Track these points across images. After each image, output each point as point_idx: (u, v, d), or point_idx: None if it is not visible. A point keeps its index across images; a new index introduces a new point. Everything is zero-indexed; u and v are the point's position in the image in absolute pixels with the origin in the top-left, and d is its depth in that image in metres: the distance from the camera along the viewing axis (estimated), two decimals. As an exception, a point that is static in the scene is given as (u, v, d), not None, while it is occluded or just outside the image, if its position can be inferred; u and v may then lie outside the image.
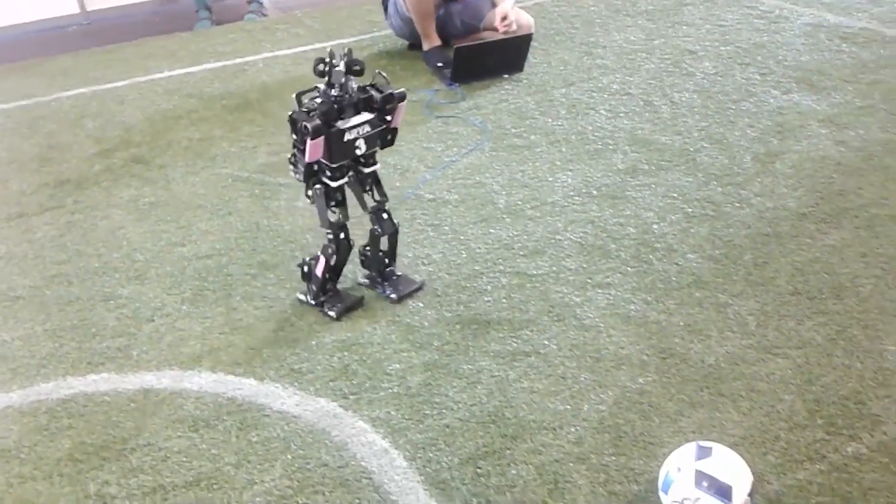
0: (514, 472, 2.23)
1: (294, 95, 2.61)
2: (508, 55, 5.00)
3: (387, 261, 2.99)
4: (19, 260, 3.43)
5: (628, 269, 3.07)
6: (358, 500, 2.18)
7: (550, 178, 3.76)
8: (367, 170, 2.82)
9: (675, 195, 3.54)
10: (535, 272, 3.08)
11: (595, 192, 3.62)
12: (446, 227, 3.42)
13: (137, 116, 4.87)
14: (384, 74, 2.75)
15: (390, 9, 5.37)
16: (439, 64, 5.09)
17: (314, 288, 2.89)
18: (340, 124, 2.61)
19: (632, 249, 3.19)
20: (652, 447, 2.26)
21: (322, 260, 2.84)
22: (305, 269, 2.90)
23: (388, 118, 2.76)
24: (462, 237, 3.33)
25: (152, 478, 2.29)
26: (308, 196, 2.77)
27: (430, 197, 3.66)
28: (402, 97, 2.74)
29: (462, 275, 3.08)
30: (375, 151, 2.81)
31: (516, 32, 5.02)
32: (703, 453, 2.01)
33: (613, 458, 2.25)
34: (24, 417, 2.55)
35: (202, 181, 4.00)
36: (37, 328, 2.97)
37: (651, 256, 3.14)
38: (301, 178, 2.70)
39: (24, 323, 3.00)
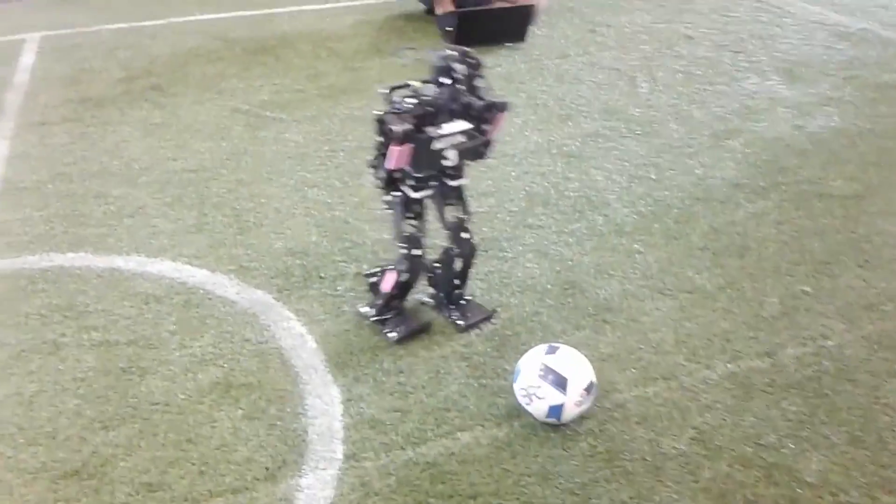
0: (404, 361, 2.56)
1: (387, 90, 2.31)
2: (512, 24, 5.28)
3: (457, 282, 2.68)
4: (33, 159, 3.86)
5: (561, 216, 3.36)
6: (266, 367, 2.54)
7: (518, 136, 4.05)
8: (453, 183, 2.48)
9: (626, 159, 3.80)
10: (476, 210, 3.37)
11: (555, 151, 3.90)
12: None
13: (164, 51, 5.30)
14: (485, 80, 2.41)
15: (409, -28, 5.68)
16: (448, 28, 5.37)
17: (378, 303, 2.62)
18: (430, 131, 2.31)
19: (570, 200, 3.47)
20: (527, 354, 2.56)
21: (392, 276, 2.55)
22: (373, 279, 2.65)
23: (486, 128, 2.42)
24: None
25: (101, 335, 2.68)
26: (385, 202, 2.48)
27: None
28: (503, 107, 2.39)
29: (411, 206, 3.40)
30: (465, 164, 2.48)
31: (523, 2, 5.30)
32: (551, 350, 2.31)
33: (492, 359, 2.56)
34: (8, 279, 2.97)
35: (206, 110, 4.39)
36: (34, 213, 3.39)
37: (585, 207, 3.42)
38: (381, 183, 2.41)
39: (25, 208, 3.43)
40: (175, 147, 3.98)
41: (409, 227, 2.49)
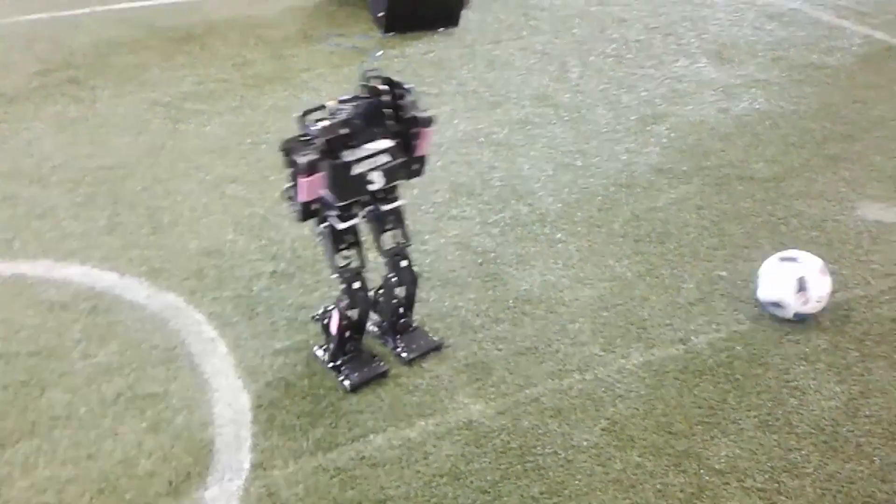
0: (318, 365, 2.50)
1: (298, 116, 2.14)
2: (444, 9, 5.20)
3: (402, 310, 2.51)
4: (-62, 160, 3.71)
5: (486, 206, 3.32)
6: (175, 376, 2.46)
7: (447, 125, 3.99)
8: (385, 207, 2.32)
9: (553, 146, 3.78)
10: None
11: (482, 139, 3.86)
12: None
13: (86, 42, 5.11)
14: (411, 89, 2.24)
15: (338, -43, 5.55)
16: (381, 14, 5.28)
17: (332, 346, 2.41)
18: (346, 155, 2.11)
19: (496, 190, 3.44)
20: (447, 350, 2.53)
21: (336, 315, 2.35)
22: (324, 321, 2.43)
23: (414, 144, 2.26)
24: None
25: (1, 346, 2.57)
26: (316, 233, 2.31)
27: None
28: (427, 122, 2.24)
29: (333, 200, 3.33)
30: (396, 185, 2.31)
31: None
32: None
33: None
34: None
35: (125, 103, 4.25)
36: (-63, 218, 3.25)
37: (510, 197, 3.38)
38: (298, 217, 2.18)
39: (-73, 213, 3.29)
40: (90, 143, 3.84)
41: (343, 259, 2.29)
